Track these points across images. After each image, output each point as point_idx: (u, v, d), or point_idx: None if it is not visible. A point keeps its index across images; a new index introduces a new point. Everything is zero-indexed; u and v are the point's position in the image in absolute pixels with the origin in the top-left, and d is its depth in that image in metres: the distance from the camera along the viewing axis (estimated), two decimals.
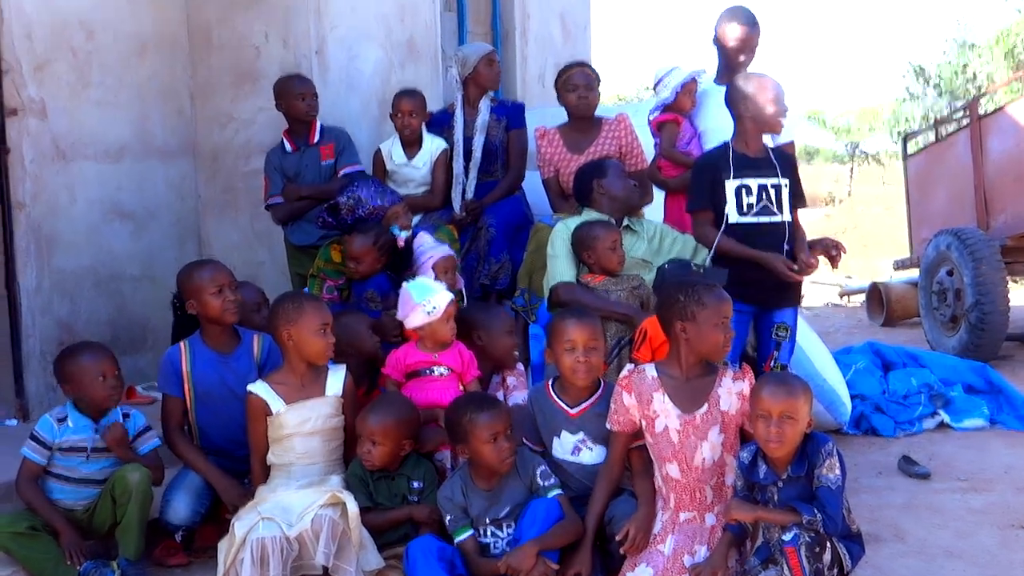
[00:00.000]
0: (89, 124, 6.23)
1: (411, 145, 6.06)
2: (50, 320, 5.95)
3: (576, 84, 5.75)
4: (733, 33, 5.58)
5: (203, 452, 4.40)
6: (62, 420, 4.20)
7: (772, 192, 4.75)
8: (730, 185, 4.71)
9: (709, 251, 4.76)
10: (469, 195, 6.06)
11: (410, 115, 5.97)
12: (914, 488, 5.25)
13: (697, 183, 4.86)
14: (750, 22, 5.58)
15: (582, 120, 5.81)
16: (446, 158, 6.09)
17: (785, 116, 4.83)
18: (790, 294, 4.85)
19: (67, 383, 4.21)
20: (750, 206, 4.73)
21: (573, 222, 5.13)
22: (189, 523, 4.31)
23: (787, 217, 4.77)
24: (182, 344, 4.48)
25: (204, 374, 4.43)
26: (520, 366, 4.77)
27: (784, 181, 4.77)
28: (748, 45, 5.59)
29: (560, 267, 5.03)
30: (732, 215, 4.71)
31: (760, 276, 4.69)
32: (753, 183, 4.72)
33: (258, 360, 4.49)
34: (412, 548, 3.76)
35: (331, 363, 4.32)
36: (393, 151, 6.08)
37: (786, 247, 4.75)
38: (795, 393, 3.59)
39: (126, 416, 4.31)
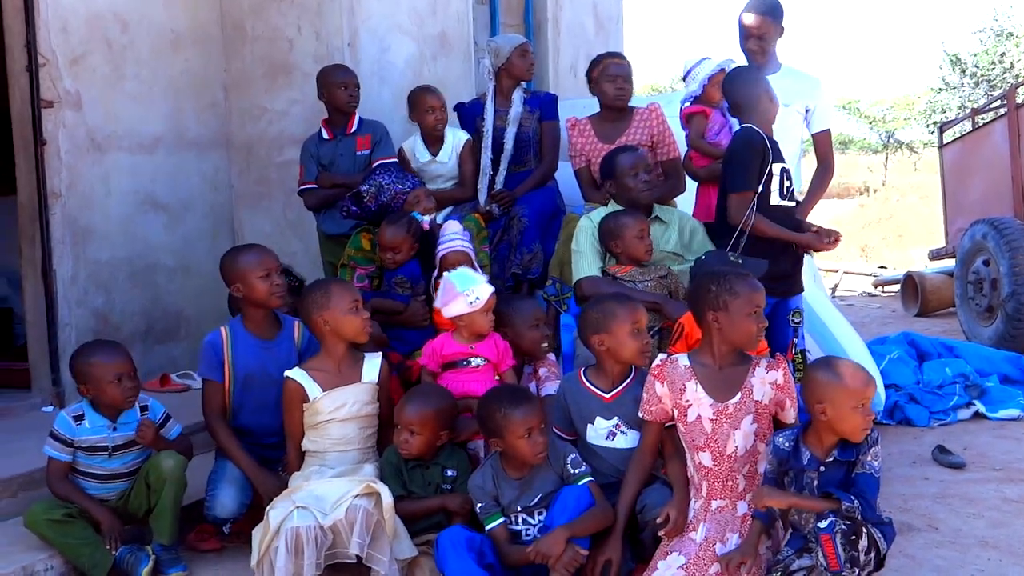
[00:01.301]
0: (124, 116, 6.29)
1: (434, 142, 6.06)
2: (86, 310, 6.01)
3: (615, 75, 5.72)
4: (744, 20, 5.62)
5: (241, 443, 4.40)
6: (79, 418, 4.20)
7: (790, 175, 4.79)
8: (776, 168, 4.69)
9: (738, 233, 4.66)
10: (501, 177, 6.06)
11: (441, 109, 5.98)
12: (948, 478, 5.23)
13: (748, 163, 4.68)
14: (761, 10, 5.58)
15: (614, 110, 5.80)
16: (471, 148, 6.10)
17: (775, 106, 4.82)
18: (800, 281, 4.88)
19: (84, 384, 4.19)
20: (788, 189, 4.74)
21: (597, 216, 5.14)
22: (236, 516, 4.34)
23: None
24: (223, 329, 4.48)
25: (245, 359, 4.44)
26: (552, 356, 4.76)
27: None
28: (754, 33, 5.59)
29: (583, 263, 5.04)
30: (775, 198, 4.70)
31: (783, 267, 4.72)
32: (786, 167, 4.75)
33: (299, 346, 4.52)
34: (441, 539, 3.76)
35: (367, 352, 4.37)
36: (416, 149, 6.07)
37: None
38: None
39: (144, 409, 4.30)
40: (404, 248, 5.14)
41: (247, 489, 4.35)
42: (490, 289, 4.50)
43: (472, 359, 4.46)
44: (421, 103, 5.98)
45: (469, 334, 4.48)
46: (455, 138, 6.09)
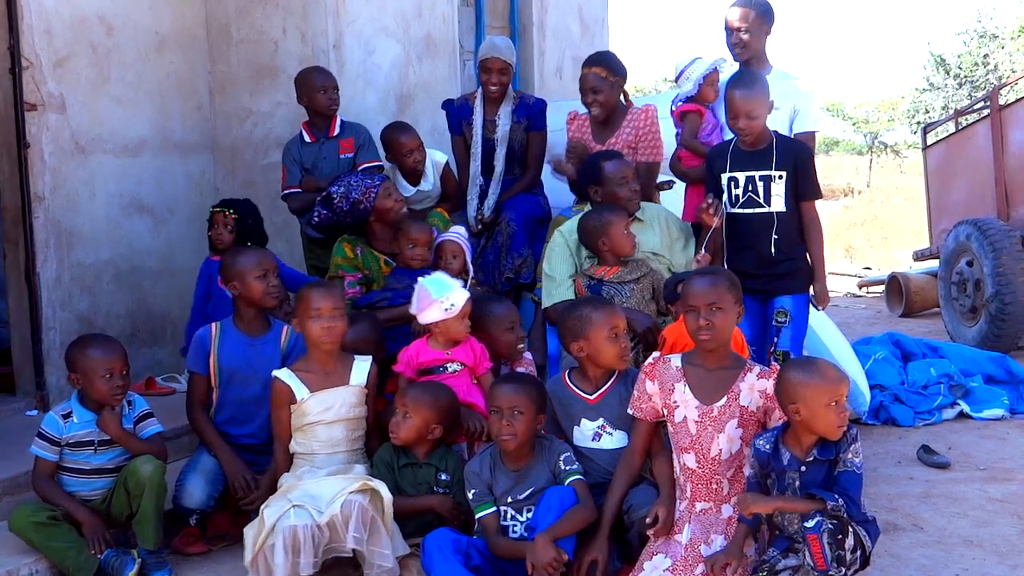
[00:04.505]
0: (108, 119, 6.26)
1: (415, 176, 6.01)
2: (70, 314, 5.97)
3: (585, 88, 5.71)
4: (729, 16, 5.63)
5: (218, 430, 4.52)
6: (67, 416, 4.24)
7: (760, 184, 4.81)
8: (724, 178, 4.88)
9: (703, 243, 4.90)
10: (491, 201, 6.00)
11: (420, 148, 5.91)
12: (933, 477, 5.25)
13: (707, 177, 5.05)
14: (742, 4, 5.59)
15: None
16: (450, 167, 6.14)
17: (750, 123, 4.79)
18: (791, 280, 4.88)
19: (75, 372, 4.24)
20: (736, 198, 4.85)
21: (568, 229, 5.16)
22: (203, 507, 4.39)
23: (777, 208, 4.81)
24: (213, 325, 4.61)
25: (231, 354, 4.53)
26: (528, 355, 4.80)
27: (779, 173, 4.79)
28: (737, 28, 5.60)
29: (553, 288, 5.09)
30: (728, 206, 4.87)
31: (751, 268, 4.80)
32: (741, 175, 4.84)
33: (284, 348, 4.59)
34: (428, 542, 3.78)
35: (357, 355, 4.40)
36: (398, 184, 5.92)
37: (775, 237, 4.80)
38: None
39: (129, 403, 4.35)
40: (429, 242, 5.20)
41: (217, 482, 4.42)
42: (465, 295, 4.49)
43: (448, 365, 4.47)
44: (398, 147, 5.88)
45: (445, 340, 4.48)
46: (434, 162, 6.05)
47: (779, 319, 4.78)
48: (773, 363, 3.97)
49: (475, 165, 6.08)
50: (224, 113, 6.91)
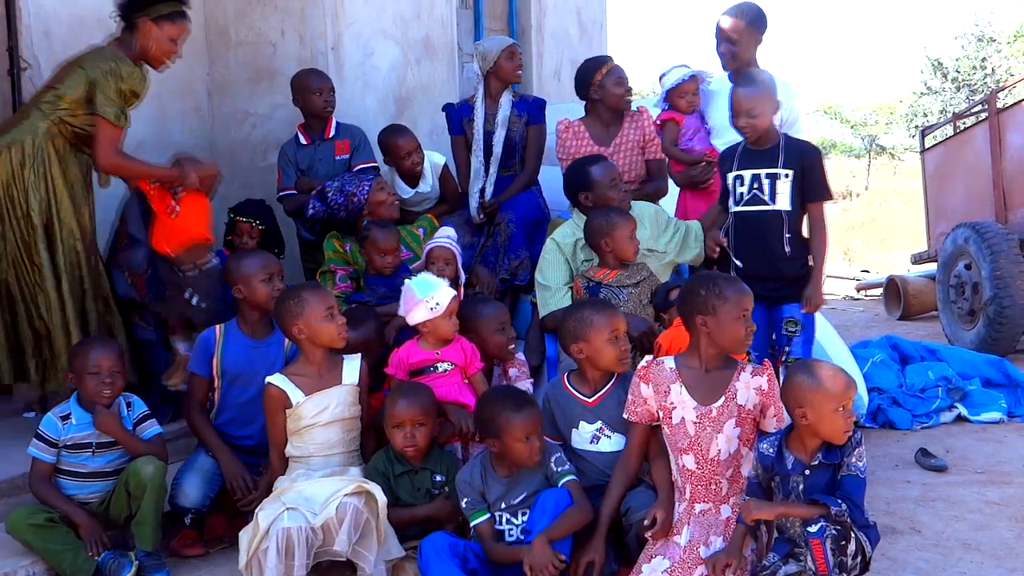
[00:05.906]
0: None
1: (413, 178, 6.05)
2: None
3: (622, 78, 5.80)
4: (721, 23, 5.70)
5: (216, 431, 4.51)
6: (65, 418, 4.23)
7: (766, 181, 4.80)
8: (730, 178, 4.90)
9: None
10: (489, 190, 6.05)
11: (417, 150, 5.96)
12: (931, 481, 5.26)
13: (721, 179, 5.05)
14: (735, 14, 5.62)
15: (607, 112, 5.83)
16: (448, 169, 6.17)
17: (750, 122, 4.78)
18: (799, 288, 4.85)
19: (71, 371, 4.28)
20: (741, 195, 4.86)
21: (560, 234, 5.18)
22: (199, 506, 4.38)
23: (783, 206, 4.79)
24: (217, 328, 4.60)
25: (235, 356, 4.53)
26: (520, 356, 4.80)
27: (786, 172, 4.78)
28: (722, 36, 5.64)
29: (548, 297, 5.11)
30: (732, 205, 4.90)
31: (760, 269, 4.80)
32: (747, 173, 4.85)
33: (287, 350, 4.57)
34: (425, 545, 3.77)
35: (345, 354, 4.38)
36: (397, 186, 5.99)
37: (787, 235, 4.78)
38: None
39: (128, 404, 4.34)
40: (399, 248, 5.20)
41: (213, 482, 4.42)
42: (451, 293, 4.50)
43: (439, 365, 4.47)
44: (396, 150, 5.94)
45: (434, 340, 4.49)
46: (432, 164, 6.08)
47: (789, 328, 4.79)
48: (766, 361, 3.95)
49: (476, 160, 6.10)
50: (222, 115, 6.91)
